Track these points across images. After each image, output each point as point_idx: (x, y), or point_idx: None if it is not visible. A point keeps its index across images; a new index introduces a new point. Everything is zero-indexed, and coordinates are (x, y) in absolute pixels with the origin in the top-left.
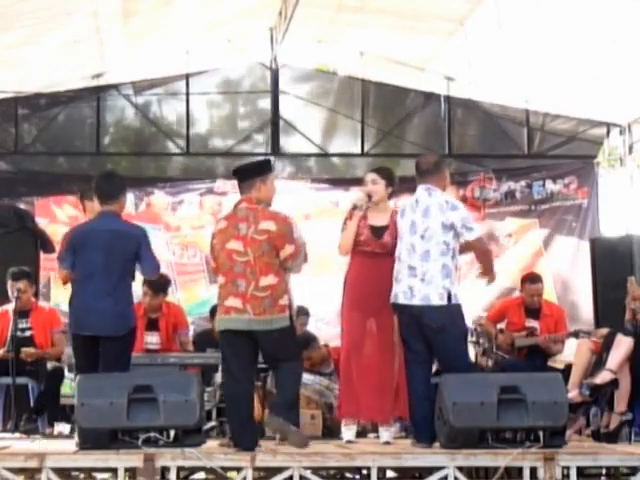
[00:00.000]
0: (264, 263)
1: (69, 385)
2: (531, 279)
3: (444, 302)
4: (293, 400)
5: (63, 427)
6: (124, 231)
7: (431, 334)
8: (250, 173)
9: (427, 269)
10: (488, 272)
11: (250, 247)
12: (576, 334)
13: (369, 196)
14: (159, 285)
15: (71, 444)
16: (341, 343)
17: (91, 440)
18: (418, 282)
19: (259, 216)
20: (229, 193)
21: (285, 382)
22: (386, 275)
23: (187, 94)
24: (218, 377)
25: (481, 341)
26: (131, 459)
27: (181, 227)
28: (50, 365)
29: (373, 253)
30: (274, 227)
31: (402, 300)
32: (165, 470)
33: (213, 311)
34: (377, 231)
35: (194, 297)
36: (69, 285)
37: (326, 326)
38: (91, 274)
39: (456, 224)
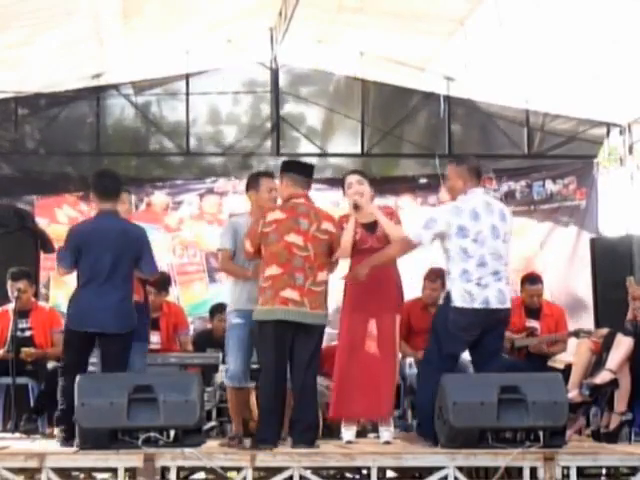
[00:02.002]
0: (321, 260)
1: None
2: (531, 280)
3: None
4: (315, 416)
5: None
6: (129, 230)
7: (501, 331)
8: (312, 171)
9: (506, 273)
10: None
11: (311, 243)
12: (576, 334)
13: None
14: (162, 283)
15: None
16: (338, 343)
17: (91, 440)
18: (504, 285)
19: (320, 215)
20: (229, 193)
21: (309, 397)
22: (386, 274)
23: (187, 94)
24: (218, 377)
25: None
26: (131, 459)
27: (181, 227)
28: (50, 365)
29: (372, 250)
30: (334, 229)
31: (496, 304)
32: (165, 470)
33: (213, 311)
34: (369, 227)
35: (194, 297)
36: (69, 285)
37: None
38: (98, 274)
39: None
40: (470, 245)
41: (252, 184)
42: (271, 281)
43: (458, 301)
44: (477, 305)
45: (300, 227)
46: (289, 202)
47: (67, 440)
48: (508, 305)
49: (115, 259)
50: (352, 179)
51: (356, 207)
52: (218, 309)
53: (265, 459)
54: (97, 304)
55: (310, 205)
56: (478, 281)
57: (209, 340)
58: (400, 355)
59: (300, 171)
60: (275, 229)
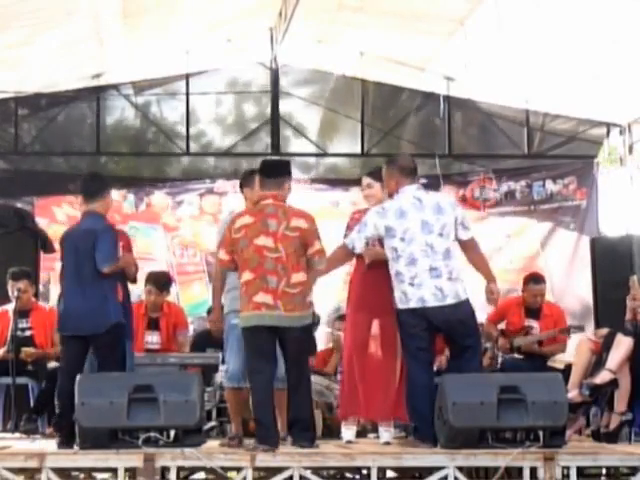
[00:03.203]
0: (295, 260)
1: None
2: (535, 279)
3: (467, 295)
4: (311, 415)
5: None
6: (89, 229)
7: (459, 327)
8: (282, 170)
9: (452, 267)
10: (490, 278)
11: (282, 243)
12: (568, 330)
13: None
14: (163, 283)
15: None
16: (344, 344)
17: (91, 440)
18: (446, 281)
19: (289, 213)
20: (229, 193)
21: (303, 396)
22: (388, 275)
23: (187, 94)
24: (218, 377)
25: (481, 341)
26: (131, 459)
27: (181, 227)
28: (50, 365)
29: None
30: (305, 225)
31: (433, 303)
32: (165, 470)
33: (209, 311)
34: None
35: (194, 297)
36: None
37: (323, 326)
38: (68, 276)
39: (458, 220)
40: (399, 244)
41: (246, 181)
42: (245, 287)
43: (397, 303)
44: (413, 305)
45: (269, 229)
46: (258, 205)
47: (65, 444)
48: (451, 301)
49: (77, 259)
50: (363, 182)
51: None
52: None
53: (265, 459)
54: (69, 307)
55: (278, 204)
56: (411, 281)
57: (209, 340)
58: None
59: (266, 172)
60: (244, 235)
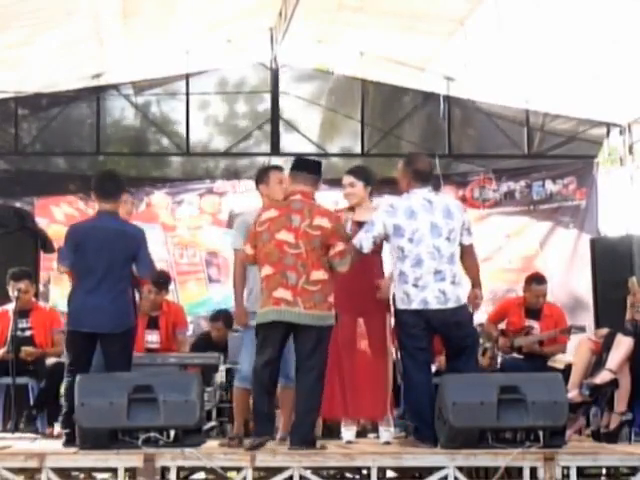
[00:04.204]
0: (315, 258)
1: None
2: (537, 280)
3: (465, 299)
4: (314, 418)
5: None
6: (125, 230)
7: (457, 329)
8: (317, 168)
9: (456, 272)
10: (477, 283)
11: (302, 240)
12: (568, 331)
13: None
14: (162, 282)
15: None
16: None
17: (91, 440)
18: (449, 285)
19: (314, 211)
20: (229, 193)
21: (309, 398)
22: (372, 273)
23: (187, 94)
24: (218, 377)
25: (481, 341)
26: (131, 459)
27: (181, 227)
28: (51, 360)
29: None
30: (328, 224)
31: (435, 305)
32: (165, 470)
33: (211, 318)
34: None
35: (193, 297)
36: (69, 284)
37: None
38: (90, 272)
39: (464, 225)
40: (406, 244)
41: (261, 178)
42: (265, 282)
43: (398, 303)
44: (415, 306)
45: (292, 224)
46: (286, 200)
47: (69, 442)
48: (452, 305)
49: (110, 259)
50: (345, 180)
51: (351, 209)
52: (215, 318)
53: (265, 459)
54: (91, 304)
55: (306, 201)
56: (415, 282)
57: (209, 343)
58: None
59: (301, 167)
60: (267, 228)
